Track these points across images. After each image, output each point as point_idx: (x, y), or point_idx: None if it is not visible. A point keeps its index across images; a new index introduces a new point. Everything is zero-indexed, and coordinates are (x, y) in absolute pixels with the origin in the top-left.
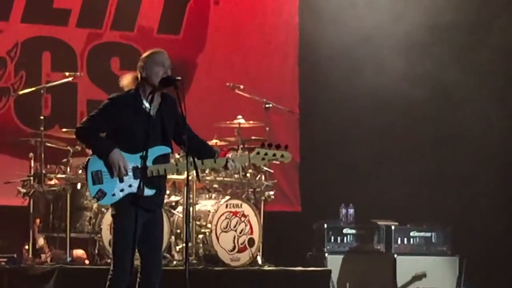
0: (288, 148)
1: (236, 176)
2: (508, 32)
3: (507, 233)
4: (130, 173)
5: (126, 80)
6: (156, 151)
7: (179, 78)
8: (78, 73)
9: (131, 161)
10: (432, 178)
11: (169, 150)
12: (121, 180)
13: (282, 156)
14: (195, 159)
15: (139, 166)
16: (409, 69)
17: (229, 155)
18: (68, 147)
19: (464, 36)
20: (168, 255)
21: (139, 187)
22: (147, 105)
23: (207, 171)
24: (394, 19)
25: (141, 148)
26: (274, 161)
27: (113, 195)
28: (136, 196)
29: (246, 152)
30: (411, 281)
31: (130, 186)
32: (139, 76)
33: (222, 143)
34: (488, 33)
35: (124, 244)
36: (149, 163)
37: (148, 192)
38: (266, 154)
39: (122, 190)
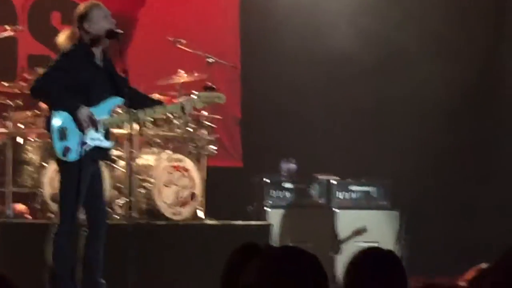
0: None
1: (178, 130)
2: None
3: (447, 187)
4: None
5: (62, 37)
6: (111, 103)
7: (121, 31)
8: (19, 27)
9: None
10: (374, 133)
11: (123, 101)
12: (83, 134)
13: (218, 97)
14: (147, 109)
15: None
16: (353, 27)
17: (179, 99)
18: (9, 101)
19: None
20: (109, 210)
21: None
22: (97, 57)
23: (148, 124)
24: None
25: (97, 101)
26: (211, 102)
27: (78, 149)
28: (94, 149)
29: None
30: (352, 236)
31: (92, 139)
32: (80, 30)
33: (164, 97)
34: None
35: (75, 198)
36: (106, 115)
37: (108, 144)
38: (205, 96)
39: (84, 144)
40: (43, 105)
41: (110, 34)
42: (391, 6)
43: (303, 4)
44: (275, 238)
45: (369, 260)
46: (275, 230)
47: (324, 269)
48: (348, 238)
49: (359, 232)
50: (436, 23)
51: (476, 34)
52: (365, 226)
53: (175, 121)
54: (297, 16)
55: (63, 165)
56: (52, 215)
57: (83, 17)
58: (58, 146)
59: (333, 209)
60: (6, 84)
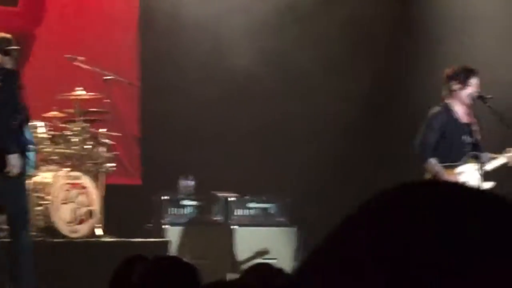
0: None
1: (76, 147)
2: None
3: (346, 202)
4: None
5: None
6: None
7: (18, 47)
8: None
9: None
10: (273, 151)
11: None
12: None
13: None
14: None
15: None
16: (253, 45)
17: None
18: None
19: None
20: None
21: None
22: None
23: (46, 142)
24: None
25: None
26: None
27: None
28: None
29: None
30: (253, 257)
31: None
32: None
33: (62, 114)
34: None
35: None
36: None
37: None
38: None
39: None
40: None
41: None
42: (291, 24)
43: (205, 21)
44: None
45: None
46: (173, 247)
47: (199, 280)
48: (250, 259)
49: (261, 253)
50: (333, 42)
51: (372, 52)
52: (266, 248)
53: (73, 139)
54: (198, 33)
55: None
56: None
57: None
58: None
59: (231, 226)
60: None
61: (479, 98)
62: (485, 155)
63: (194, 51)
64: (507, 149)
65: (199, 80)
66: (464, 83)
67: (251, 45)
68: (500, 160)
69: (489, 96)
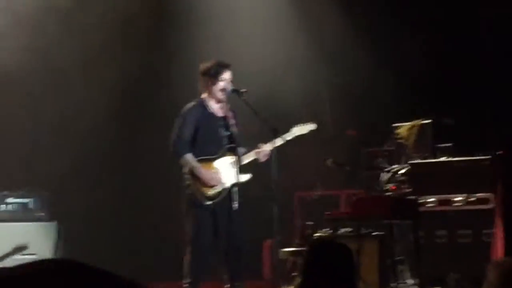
0: None
1: None
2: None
3: (101, 197)
4: None
5: None
6: None
7: None
8: None
9: None
10: (31, 146)
11: None
12: None
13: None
14: None
15: None
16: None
17: None
18: None
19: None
20: None
21: None
22: None
23: None
24: None
25: None
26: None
27: None
28: None
29: None
30: (12, 252)
31: None
32: None
33: None
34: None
35: None
36: None
37: None
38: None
39: None
40: None
41: None
42: (50, 21)
43: None
44: None
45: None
46: None
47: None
48: (8, 254)
49: (19, 249)
50: (93, 36)
51: (132, 47)
52: (26, 243)
53: None
54: None
55: None
56: None
57: None
58: None
59: None
60: None
61: (234, 92)
62: (240, 150)
63: None
64: (259, 144)
65: None
66: (215, 78)
67: (11, 43)
68: (250, 156)
69: (243, 90)
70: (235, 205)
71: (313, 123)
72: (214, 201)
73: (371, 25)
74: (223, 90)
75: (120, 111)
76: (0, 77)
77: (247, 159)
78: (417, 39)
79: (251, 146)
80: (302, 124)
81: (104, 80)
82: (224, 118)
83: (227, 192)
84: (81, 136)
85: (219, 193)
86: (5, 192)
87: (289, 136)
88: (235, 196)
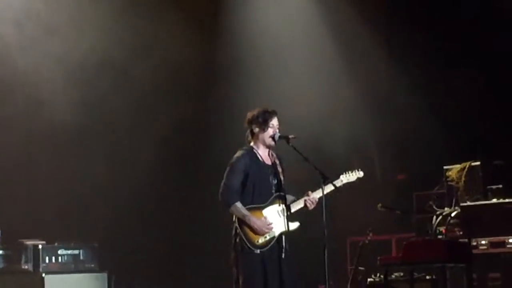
0: None
1: None
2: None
3: (149, 246)
4: None
5: None
6: None
7: None
8: None
9: None
10: (79, 197)
11: None
12: None
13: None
14: None
15: None
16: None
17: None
18: None
19: None
20: None
21: None
22: None
23: None
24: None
25: None
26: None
27: None
28: None
29: None
30: None
31: None
32: None
33: None
34: None
35: None
36: None
37: None
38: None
39: None
40: None
41: None
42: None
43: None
44: None
45: None
46: None
47: None
48: None
49: None
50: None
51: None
52: None
53: None
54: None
55: None
56: None
57: None
58: None
59: (42, 274)
60: None
61: (282, 138)
62: (289, 197)
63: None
64: (308, 192)
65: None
66: (264, 124)
67: (66, 94)
68: (299, 204)
69: (292, 136)
70: (284, 253)
71: (360, 170)
72: (262, 249)
73: (420, 70)
74: (272, 136)
75: (169, 161)
76: (53, 130)
77: (295, 207)
78: (466, 82)
79: (300, 193)
80: (350, 172)
81: (152, 130)
82: (272, 165)
83: (276, 241)
84: (128, 186)
85: (268, 241)
86: (56, 244)
87: (338, 183)
88: (285, 244)
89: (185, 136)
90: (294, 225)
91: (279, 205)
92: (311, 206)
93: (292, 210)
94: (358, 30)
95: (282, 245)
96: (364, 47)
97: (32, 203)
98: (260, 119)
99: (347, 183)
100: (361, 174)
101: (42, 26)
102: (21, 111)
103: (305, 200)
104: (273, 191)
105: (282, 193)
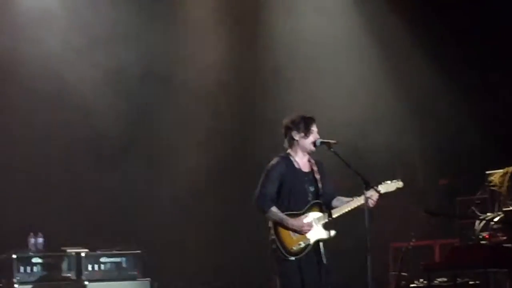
0: None
1: None
2: None
3: (193, 252)
4: None
5: None
6: None
7: None
8: None
9: None
10: (119, 203)
11: None
12: None
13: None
14: None
15: None
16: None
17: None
18: None
19: None
20: None
21: None
22: None
23: None
24: None
25: None
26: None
27: None
28: None
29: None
30: None
31: None
32: None
33: None
34: None
35: None
36: None
37: None
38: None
39: None
40: None
41: None
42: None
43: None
44: None
45: None
46: None
47: None
48: None
49: None
50: None
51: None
52: None
53: None
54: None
55: None
56: None
57: None
58: None
59: (84, 282)
60: None
61: (323, 144)
62: (342, 199)
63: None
64: (355, 198)
65: (40, 129)
66: (305, 131)
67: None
68: (344, 208)
69: (333, 141)
70: (325, 259)
71: (400, 180)
72: (297, 256)
73: (462, 74)
74: (313, 142)
75: (212, 167)
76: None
77: (338, 212)
78: (507, 85)
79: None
80: (389, 181)
81: (194, 137)
82: (310, 173)
83: (313, 248)
84: (172, 193)
85: (303, 249)
86: (99, 252)
87: (381, 189)
88: (324, 251)
89: (227, 142)
90: (331, 233)
91: (316, 213)
92: (372, 204)
93: (334, 216)
94: (399, 36)
95: (321, 252)
96: (405, 52)
97: (75, 211)
98: (301, 125)
99: (386, 192)
100: (400, 184)
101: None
102: (67, 119)
103: (367, 198)
104: (310, 198)
105: (319, 201)
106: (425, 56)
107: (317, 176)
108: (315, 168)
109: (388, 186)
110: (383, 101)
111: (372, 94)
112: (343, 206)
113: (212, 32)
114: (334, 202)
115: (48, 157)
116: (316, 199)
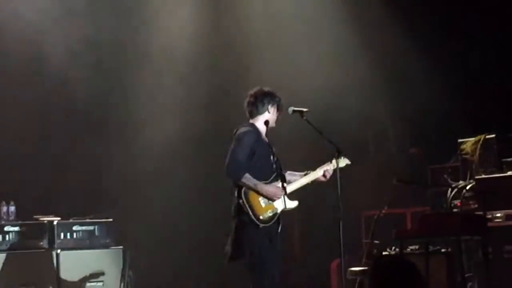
0: None
1: None
2: None
3: (166, 221)
4: None
5: None
6: None
7: None
8: None
9: None
10: (93, 171)
11: None
12: None
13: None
14: None
15: None
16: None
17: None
18: None
19: None
20: None
21: None
22: None
23: None
24: None
25: None
26: None
27: None
28: None
29: None
30: (82, 280)
31: None
32: None
33: None
34: None
35: None
36: None
37: None
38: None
39: None
40: None
41: None
42: None
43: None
44: None
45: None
46: None
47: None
48: (78, 283)
49: (92, 276)
50: None
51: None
52: (97, 270)
53: None
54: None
55: None
56: None
57: None
58: None
59: (57, 250)
60: None
61: (296, 112)
62: (295, 173)
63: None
64: (310, 172)
65: (13, 97)
66: (280, 107)
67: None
68: (298, 183)
69: (306, 109)
70: (280, 229)
71: (352, 159)
72: (265, 225)
73: (435, 43)
74: (280, 114)
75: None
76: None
77: (292, 187)
78: (482, 55)
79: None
80: (342, 158)
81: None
82: (270, 144)
83: (277, 217)
84: (145, 164)
85: (271, 218)
86: (71, 220)
87: (341, 164)
88: (281, 221)
89: (201, 111)
90: (293, 204)
91: (280, 183)
92: (325, 177)
93: (288, 191)
94: (372, 2)
95: (279, 221)
96: (379, 20)
97: (47, 179)
98: (277, 100)
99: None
100: (349, 162)
101: None
102: (42, 87)
103: (324, 171)
104: (274, 169)
105: (281, 172)
106: (397, 24)
107: (274, 149)
108: (270, 140)
109: (341, 162)
110: (355, 69)
111: (344, 63)
112: (299, 180)
113: (187, 2)
114: (287, 177)
115: (21, 124)
116: (278, 170)
